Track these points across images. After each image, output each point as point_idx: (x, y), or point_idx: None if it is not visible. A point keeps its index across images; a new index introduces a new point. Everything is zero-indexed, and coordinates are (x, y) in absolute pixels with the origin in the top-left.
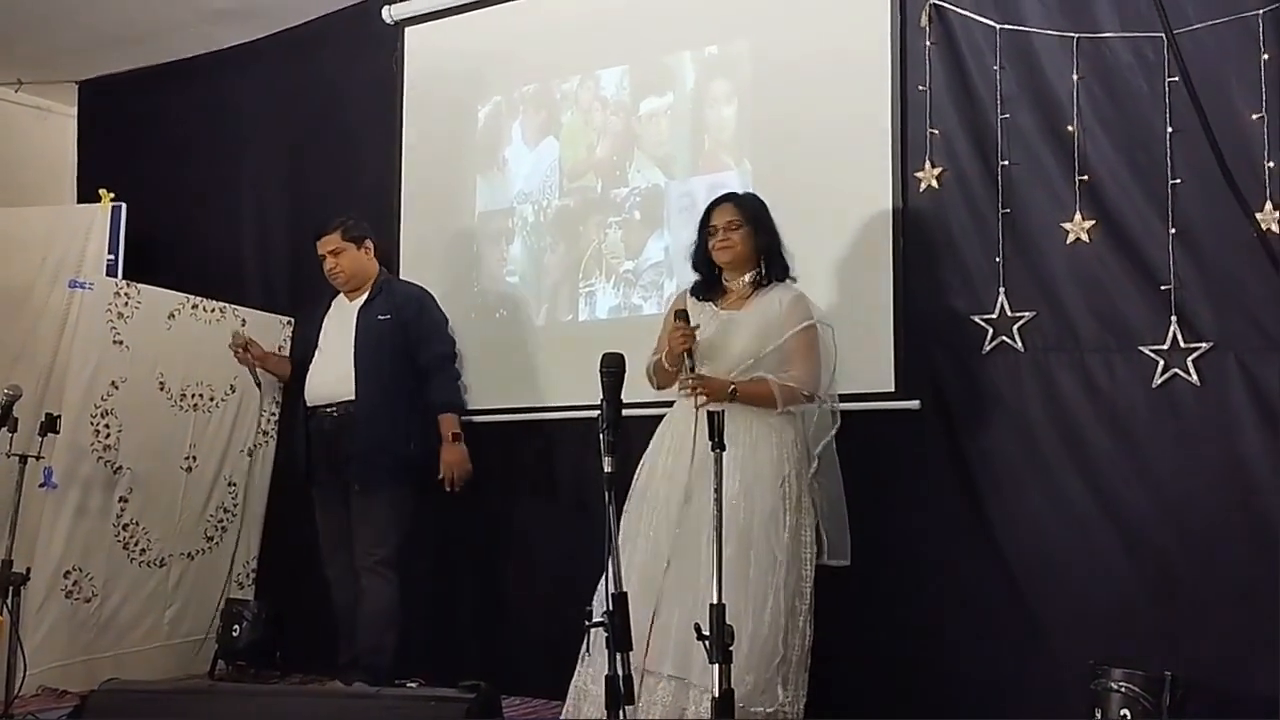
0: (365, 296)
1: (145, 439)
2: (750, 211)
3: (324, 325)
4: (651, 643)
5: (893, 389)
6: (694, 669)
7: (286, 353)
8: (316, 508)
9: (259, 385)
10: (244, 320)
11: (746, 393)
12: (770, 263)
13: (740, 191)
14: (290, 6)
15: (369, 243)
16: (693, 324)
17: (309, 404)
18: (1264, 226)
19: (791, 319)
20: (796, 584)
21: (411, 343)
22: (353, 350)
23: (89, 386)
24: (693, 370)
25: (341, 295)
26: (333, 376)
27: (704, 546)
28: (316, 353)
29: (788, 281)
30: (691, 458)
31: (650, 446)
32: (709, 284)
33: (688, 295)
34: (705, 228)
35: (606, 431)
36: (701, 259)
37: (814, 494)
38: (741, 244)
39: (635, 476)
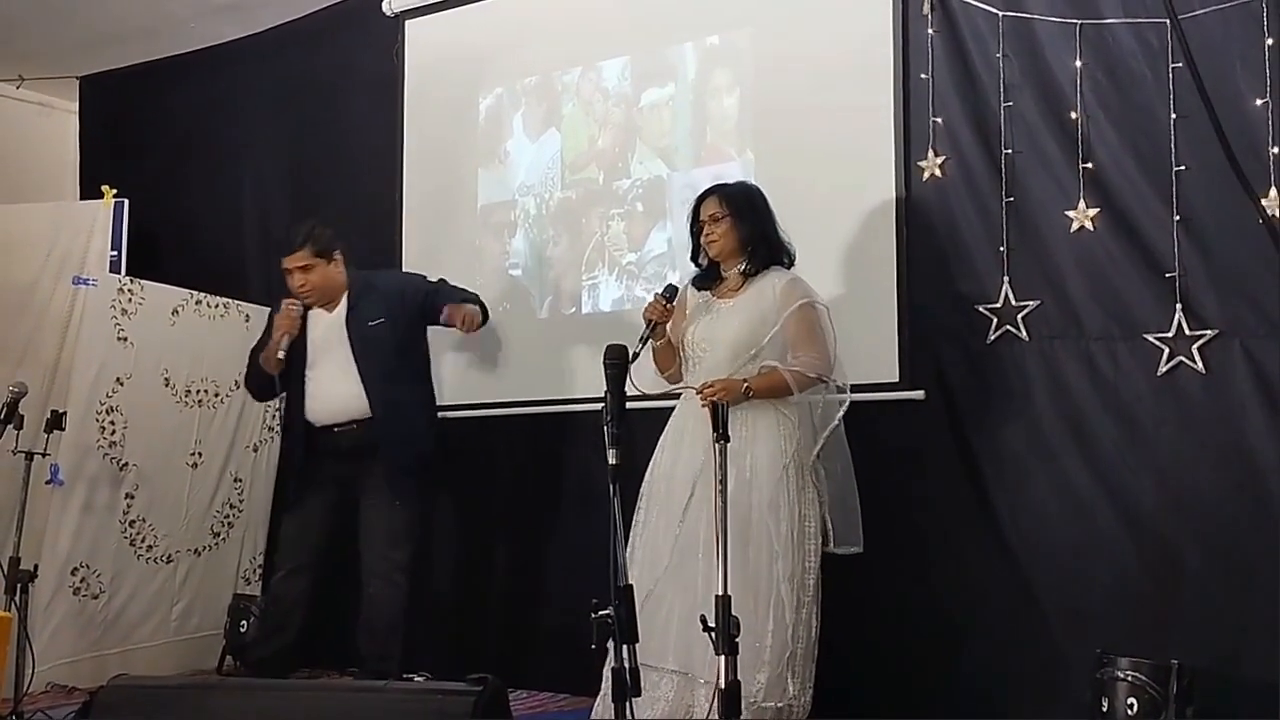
0: (345, 305)
1: (151, 435)
2: (734, 202)
3: (309, 340)
4: (653, 637)
5: (897, 379)
6: (695, 663)
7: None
8: (295, 507)
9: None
10: (248, 316)
11: (761, 387)
12: (756, 251)
13: (732, 182)
14: (290, 0)
15: (338, 254)
16: (690, 317)
17: (316, 424)
18: (1269, 212)
19: (787, 301)
20: (801, 576)
21: (425, 317)
22: (355, 366)
23: (94, 383)
24: (646, 340)
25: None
26: (341, 395)
27: (702, 541)
28: (309, 369)
29: (781, 267)
30: (696, 452)
31: (659, 442)
32: (708, 274)
33: (689, 286)
34: (695, 221)
35: (610, 423)
36: (697, 251)
37: (819, 482)
38: (725, 236)
39: (648, 472)
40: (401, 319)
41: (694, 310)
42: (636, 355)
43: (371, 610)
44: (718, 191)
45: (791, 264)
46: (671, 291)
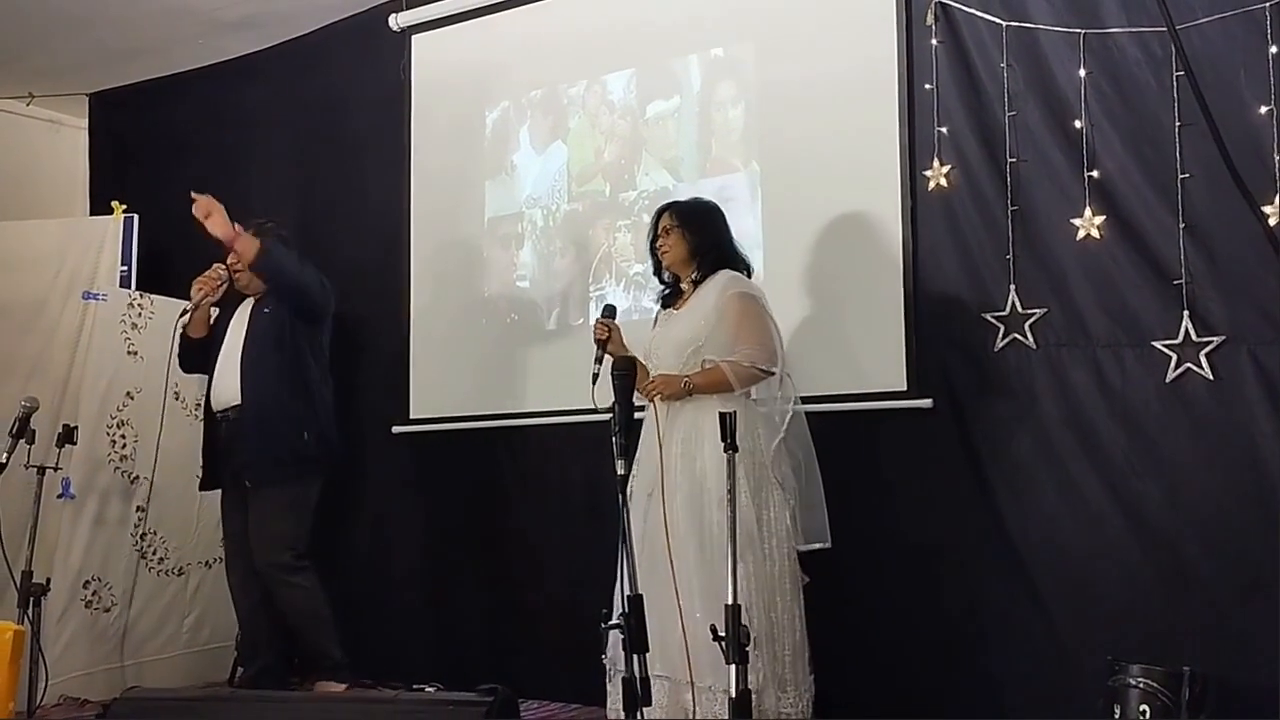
0: (260, 295)
1: (161, 449)
2: (682, 214)
3: (229, 324)
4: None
5: (904, 388)
6: (676, 667)
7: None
8: (222, 511)
9: (190, 312)
10: None
11: (701, 383)
12: (705, 259)
13: (686, 198)
14: (298, 16)
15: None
16: (653, 329)
17: (214, 409)
18: (1270, 220)
19: (724, 295)
20: (774, 576)
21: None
22: (241, 353)
23: (104, 397)
24: (600, 360)
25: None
26: (226, 380)
27: (660, 544)
28: (219, 356)
29: (731, 270)
30: (652, 458)
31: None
32: (673, 293)
33: (659, 309)
34: (655, 239)
35: (619, 435)
36: (659, 267)
37: (782, 478)
38: (675, 246)
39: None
40: (285, 312)
41: (656, 324)
42: (596, 375)
43: (287, 613)
44: (670, 207)
45: (749, 275)
46: (610, 310)
